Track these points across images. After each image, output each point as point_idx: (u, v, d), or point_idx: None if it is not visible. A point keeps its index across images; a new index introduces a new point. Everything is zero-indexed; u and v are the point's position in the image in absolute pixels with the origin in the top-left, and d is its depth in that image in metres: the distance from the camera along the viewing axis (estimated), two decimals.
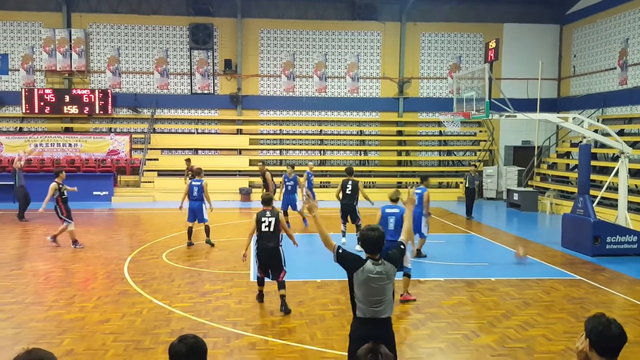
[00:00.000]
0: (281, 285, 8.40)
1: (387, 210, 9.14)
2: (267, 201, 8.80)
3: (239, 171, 24.85)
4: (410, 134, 27.45)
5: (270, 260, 8.48)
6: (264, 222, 8.48)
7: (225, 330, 7.54)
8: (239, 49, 26.12)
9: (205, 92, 26.62)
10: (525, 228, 17.49)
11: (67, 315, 8.07)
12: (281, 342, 7.18)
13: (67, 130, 25.56)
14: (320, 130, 26.95)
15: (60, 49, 25.49)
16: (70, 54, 25.57)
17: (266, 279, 8.67)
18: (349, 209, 13.09)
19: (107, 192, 22.03)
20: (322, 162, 26.31)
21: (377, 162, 26.92)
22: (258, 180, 24.21)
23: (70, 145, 24.15)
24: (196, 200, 12.90)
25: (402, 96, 27.05)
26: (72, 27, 25.68)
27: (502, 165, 26.18)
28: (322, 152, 26.69)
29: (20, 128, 25.74)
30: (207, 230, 13.15)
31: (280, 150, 26.54)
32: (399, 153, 27.15)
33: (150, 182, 23.31)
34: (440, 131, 27.10)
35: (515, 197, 21.52)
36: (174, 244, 13.28)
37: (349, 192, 12.83)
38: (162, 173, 23.94)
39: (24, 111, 25.03)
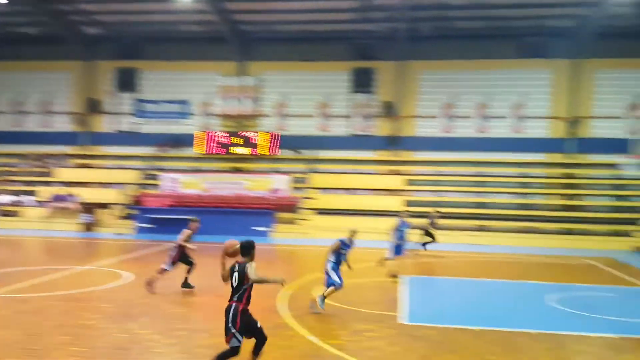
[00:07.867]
0: None
1: None
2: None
3: (393, 212, 24.59)
4: (580, 176, 25.17)
5: None
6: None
7: None
8: (398, 92, 26.45)
9: (363, 133, 27.23)
10: None
11: None
12: None
13: (236, 170, 27.68)
14: (479, 172, 25.89)
15: (234, 95, 27.97)
16: (242, 100, 27.91)
17: None
18: None
19: (266, 228, 23.22)
20: (481, 205, 25.14)
21: (541, 206, 24.96)
22: (415, 221, 23.80)
23: (236, 183, 25.98)
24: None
25: (572, 136, 25.07)
26: (247, 74, 28.09)
27: None
28: (480, 194, 25.52)
29: (196, 167, 28.44)
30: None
31: (436, 191, 25.92)
32: (571, 197, 24.91)
33: (306, 220, 24.11)
34: (616, 174, 24.50)
35: None
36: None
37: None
38: (321, 211, 24.58)
39: (199, 152, 27.66)
